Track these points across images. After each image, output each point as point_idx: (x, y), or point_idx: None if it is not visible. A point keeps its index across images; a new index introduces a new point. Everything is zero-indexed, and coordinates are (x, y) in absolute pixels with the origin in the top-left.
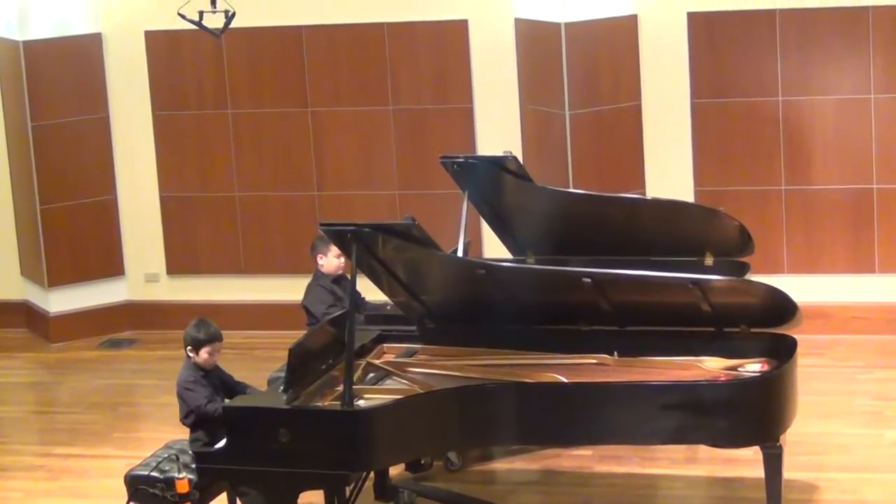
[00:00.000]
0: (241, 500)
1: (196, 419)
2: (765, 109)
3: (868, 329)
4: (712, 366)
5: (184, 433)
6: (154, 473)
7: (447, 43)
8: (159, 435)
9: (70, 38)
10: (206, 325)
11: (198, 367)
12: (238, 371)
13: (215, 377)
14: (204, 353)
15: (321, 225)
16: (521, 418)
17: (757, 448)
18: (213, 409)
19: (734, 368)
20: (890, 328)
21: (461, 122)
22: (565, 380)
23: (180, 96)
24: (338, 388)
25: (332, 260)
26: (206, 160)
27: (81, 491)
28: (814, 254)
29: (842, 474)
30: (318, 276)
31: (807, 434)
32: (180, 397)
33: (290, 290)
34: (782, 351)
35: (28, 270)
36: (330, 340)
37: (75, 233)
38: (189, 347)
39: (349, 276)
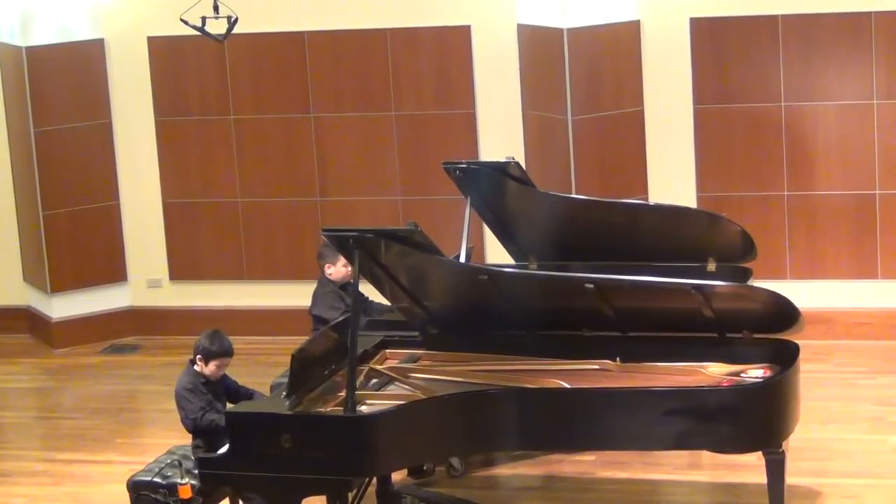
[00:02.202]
0: None
1: (193, 428)
2: (767, 115)
3: (871, 335)
4: (715, 371)
5: (187, 439)
6: (157, 479)
7: (450, 49)
8: (162, 440)
9: (73, 43)
10: (220, 337)
11: (200, 374)
12: (240, 377)
13: (218, 384)
14: (213, 366)
15: (323, 231)
16: (523, 424)
17: (760, 453)
18: (209, 422)
19: (737, 374)
20: (893, 334)
21: (464, 128)
22: (568, 385)
23: (183, 102)
24: (340, 394)
25: (340, 269)
26: (209, 166)
27: (84, 497)
28: (816, 259)
29: (844, 480)
30: (325, 282)
31: (809, 440)
32: (178, 403)
33: (292, 295)
34: (785, 357)
35: (31, 276)
36: (333, 346)
37: (78, 238)
38: (199, 357)
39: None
